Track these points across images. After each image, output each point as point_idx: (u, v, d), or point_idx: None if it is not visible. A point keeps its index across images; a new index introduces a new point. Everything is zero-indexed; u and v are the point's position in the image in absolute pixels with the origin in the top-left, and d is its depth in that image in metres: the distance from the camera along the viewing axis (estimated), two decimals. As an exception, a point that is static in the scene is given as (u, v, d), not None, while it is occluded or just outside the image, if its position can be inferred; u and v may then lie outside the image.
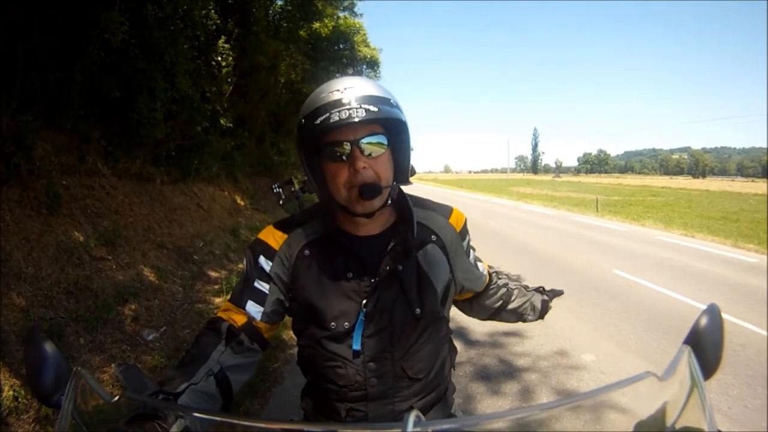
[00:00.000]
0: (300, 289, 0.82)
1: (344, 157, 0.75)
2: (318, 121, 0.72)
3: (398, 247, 0.82)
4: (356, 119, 0.71)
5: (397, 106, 0.77)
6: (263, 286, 0.82)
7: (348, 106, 0.71)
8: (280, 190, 0.89)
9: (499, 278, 1.07)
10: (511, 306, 1.07)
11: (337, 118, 0.71)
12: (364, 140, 0.75)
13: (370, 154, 0.76)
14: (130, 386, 0.63)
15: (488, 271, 1.03)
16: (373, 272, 0.80)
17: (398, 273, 0.81)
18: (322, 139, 0.75)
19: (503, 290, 1.06)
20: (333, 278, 0.81)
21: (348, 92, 0.73)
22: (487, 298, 1.05)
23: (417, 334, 0.81)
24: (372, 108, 0.72)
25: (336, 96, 0.73)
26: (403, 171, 0.83)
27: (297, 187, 0.87)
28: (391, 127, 0.79)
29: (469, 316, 1.11)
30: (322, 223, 0.85)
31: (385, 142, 0.78)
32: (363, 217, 0.80)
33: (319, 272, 0.82)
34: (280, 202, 0.85)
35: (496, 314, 1.08)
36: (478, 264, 0.97)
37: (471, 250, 0.94)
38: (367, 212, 0.79)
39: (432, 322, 0.83)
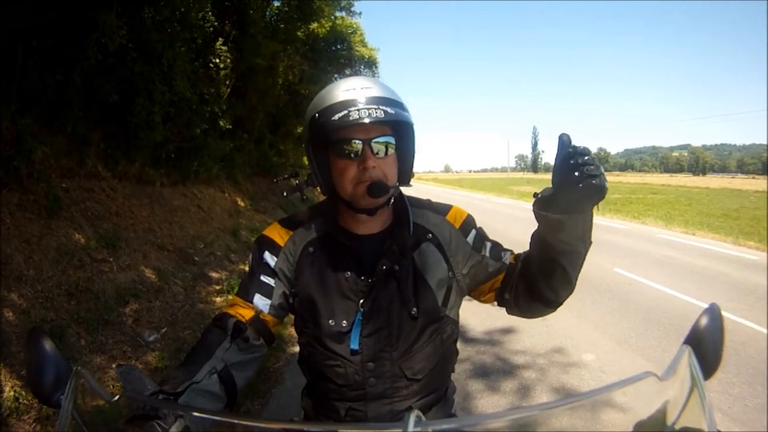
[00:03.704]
0: (302, 285, 0.83)
1: (354, 155, 0.77)
2: (336, 117, 0.73)
3: (394, 246, 0.82)
4: (373, 119, 0.72)
5: (407, 110, 0.79)
6: (269, 281, 0.83)
7: (366, 106, 0.73)
8: (285, 182, 0.89)
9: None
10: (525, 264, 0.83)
11: (357, 116, 0.72)
12: (375, 140, 0.77)
13: (377, 154, 0.78)
14: (129, 386, 0.63)
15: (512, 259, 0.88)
16: (371, 272, 0.80)
17: (395, 273, 0.81)
18: (333, 135, 0.77)
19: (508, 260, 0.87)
20: (333, 276, 0.81)
21: (364, 92, 0.75)
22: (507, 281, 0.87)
23: (416, 334, 0.81)
24: (389, 110, 0.74)
25: (353, 95, 0.75)
26: (406, 172, 0.84)
27: (303, 179, 0.87)
28: (399, 129, 0.81)
29: (517, 314, 0.89)
30: (326, 221, 0.85)
31: (393, 144, 0.80)
32: (365, 213, 0.81)
33: (320, 270, 0.82)
34: (285, 194, 0.86)
35: (529, 291, 0.83)
36: (501, 253, 0.87)
37: (486, 243, 0.88)
38: (370, 207, 0.80)
39: (431, 323, 0.82)
